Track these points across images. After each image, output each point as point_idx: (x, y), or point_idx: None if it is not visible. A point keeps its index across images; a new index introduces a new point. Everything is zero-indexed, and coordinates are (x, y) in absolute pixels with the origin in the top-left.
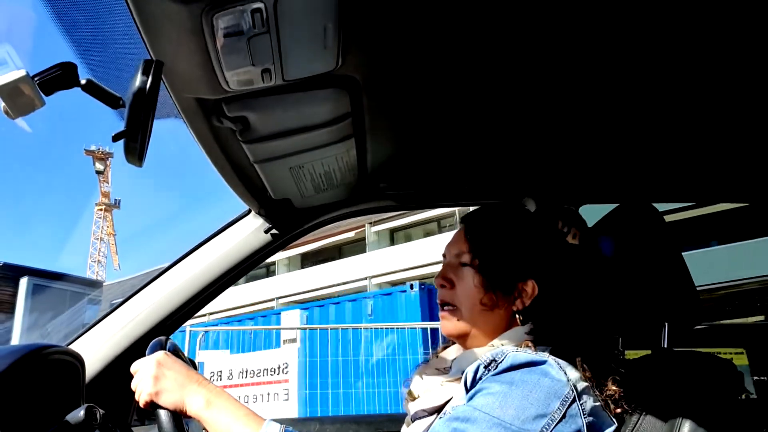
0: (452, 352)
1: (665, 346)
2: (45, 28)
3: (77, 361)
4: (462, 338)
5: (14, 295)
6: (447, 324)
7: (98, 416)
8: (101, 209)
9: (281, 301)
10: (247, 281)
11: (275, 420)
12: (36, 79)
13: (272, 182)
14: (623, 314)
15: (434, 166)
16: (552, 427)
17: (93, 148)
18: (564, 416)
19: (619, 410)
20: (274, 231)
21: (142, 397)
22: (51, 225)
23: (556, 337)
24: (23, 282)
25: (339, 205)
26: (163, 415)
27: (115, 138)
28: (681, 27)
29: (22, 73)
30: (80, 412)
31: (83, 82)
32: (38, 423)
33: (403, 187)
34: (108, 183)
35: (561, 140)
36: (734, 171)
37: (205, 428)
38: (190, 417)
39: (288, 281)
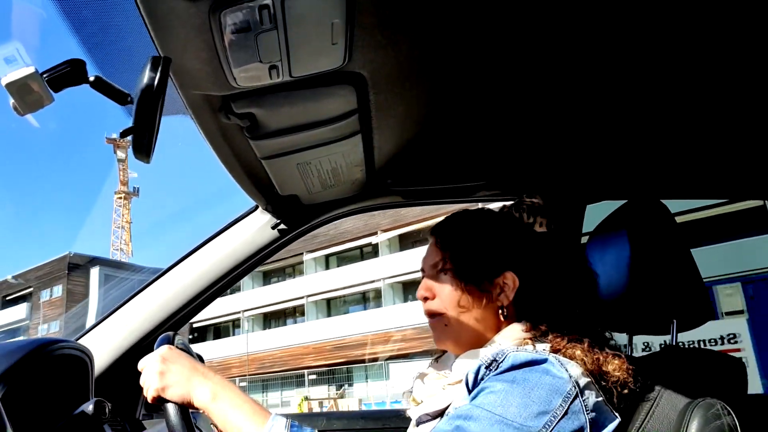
0: (450, 357)
1: (674, 342)
2: (53, 25)
3: (86, 355)
4: (453, 344)
5: (86, 284)
6: (436, 334)
7: (107, 410)
8: (120, 197)
9: None
10: None
11: (280, 415)
12: (45, 75)
13: (279, 178)
14: (631, 310)
15: (441, 163)
16: (554, 423)
17: (114, 136)
18: (566, 413)
19: (626, 391)
20: (281, 227)
21: (149, 393)
22: (70, 213)
23: (552, 329)
24: (95, 271)
25: (346, 201)
26: (170, 408)
27: (123, 134)
28: (692, 23)
29: (31, 70)
30: (89, 406)
31: (92, 78)
32: (48, 417)
33: (410, 183)
34: (127, 170)
35: (569, 136)
36: (744, 167)
37: (213, 422)
38: (197, 409)
39: None
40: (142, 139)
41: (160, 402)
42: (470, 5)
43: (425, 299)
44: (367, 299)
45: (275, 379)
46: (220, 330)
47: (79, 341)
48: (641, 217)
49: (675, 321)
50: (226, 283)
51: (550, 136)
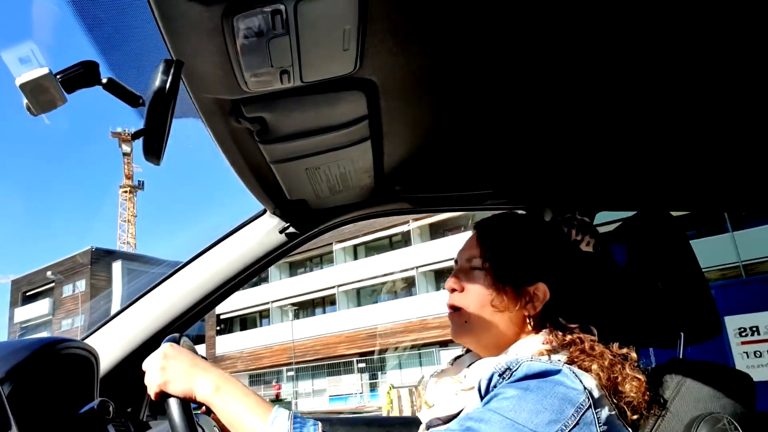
0: (467, 360)
1: (681, 356)
2: (68, 26)
3: (92, 355)
4: (472, 342)
5: (108, 278)
6: (457, 328)
7: (111, 410)
8: (126, 191)
9: None
10: None
11: (282, 408)
12: (58, 77)
13: (288, 183)
14: (639, 323)
15: (449, 170)
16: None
17: (119, 130)
18: (578, 423)
19: (636, 417)
20: (289, 231)
21: (151, 390)
22: (76, 208)
23: (571, 344)
24: (117, 265)
25: (354, 206)
26: (172, 403)
27: (135, 136)
28: (701, 35)
29: (45, 70)
30: (93, 406)
31: (104, 80)
32: (52, 416)
33: (418, 190)
34: (132, 164)
35: (578, 146)
36: (754, 179)
37: (215, 418)
38: (199, 404)
39: None
40: (153, 142)
41: (163, 398)
42: (482, 15)
43: (453, 290)
44: (403, 287)
45: (306, 369)
46: (246, 321)
47: (85, 341)
48: (649, 229)
49: (682, 334)
50: (232, 286)
51: (559, 146)
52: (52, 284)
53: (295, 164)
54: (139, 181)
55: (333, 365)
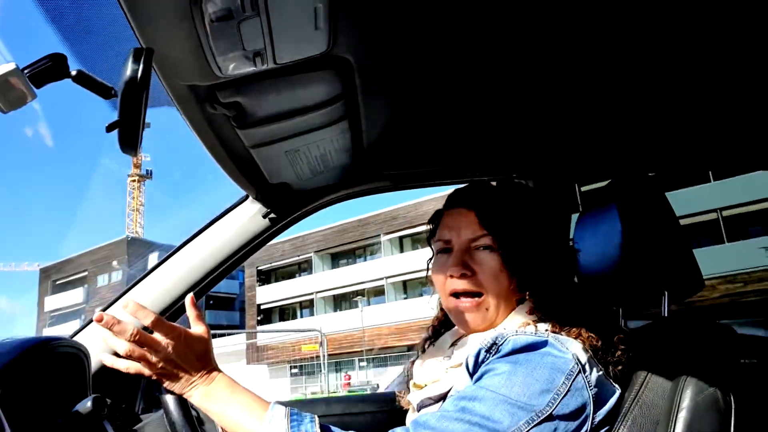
0: (448, 338)
1: (665, 314)
2: (31, 19)
3: (82, 352)
4: (482, 327)
5: (143, 269)
6: (475, 316)
7: (106, 406)
8: (134, 180)
9: None
10: None
11: (279, 403)
12: (26, 71)
13: (268, 167)
14: (623, 284)
15: (429, 145)
16: (558, 401)
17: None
18: (569, 390)
19: (620, 368)
20: (272, 215)
21: (142, 372)
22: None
23: (557, 311)
24: (153, 257)
25: (336, 187)
26: (169, 401)
27: (109, 128)
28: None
29: (11, 66)
30: (87, 403)
31: (74, 73)
32: (46, 415)
33: (400, 167)
34: (141, 153)
35: (558, 116)
36: (730, 142)
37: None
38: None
39: None
40: (129, 133)
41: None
42: None
43: (462, 276)
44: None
45: (349, 361)
46: (284, 311)
47: (75, 337)
48: (630, 192)
49: (666, 293)
50: (219, 274)
51: (538, 116)
52: (85, 273)
53: (275, 148)
54: (147, 170)
55: (381, 358)
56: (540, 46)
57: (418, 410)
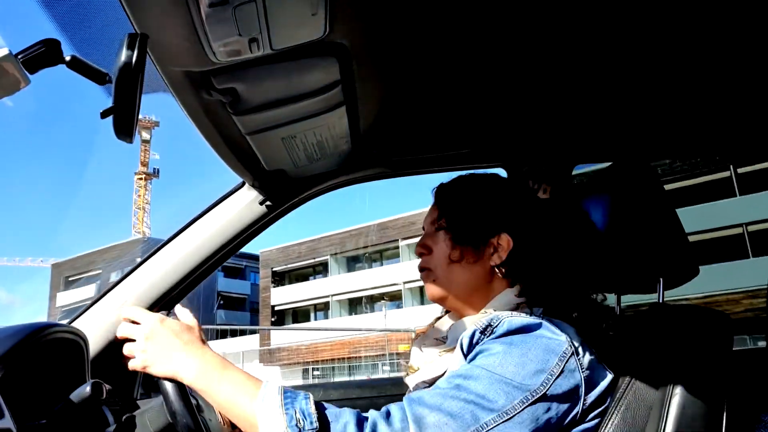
0: (446, 321)
1: (661, 300)
2: (25, 4)
3: (80, 338)
4: (446, 300)
5: None
6: (429, 287)
7: (104, 391)
8: (141, 178)
9: None
10: None
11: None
12: (19, 57)
13: (265, 153)
14: (619, 270)
15: (427, 132)
16: (551, 382)
17: (139, 116)
18: (562, 371)
19: (612, 352)
20: (269, 203)
21: (132, 366)
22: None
23: (546, 293)
24: None
25: (333, 173)
26: (169, 388)
27: (104, 114)
28: None
29: (4, 51)
30: (86, 388)
31: (68, 58)
32: (45, 401)
33: (397, 153)
34: (149, 151)
35: (555, 100)
36: (729, 128)
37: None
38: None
39: None
40: (123, 120)
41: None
42: None
43: (421, 255)
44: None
45: (365, 366)
46: (298, 314)
47: (73, 323)
48: (626, 178)
49: (661, 279)
50: (216, 260)
51: (534, 101)
52: (99, 270)
53: (271, 134)
54: (154, 168)
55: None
56: (538, 29)
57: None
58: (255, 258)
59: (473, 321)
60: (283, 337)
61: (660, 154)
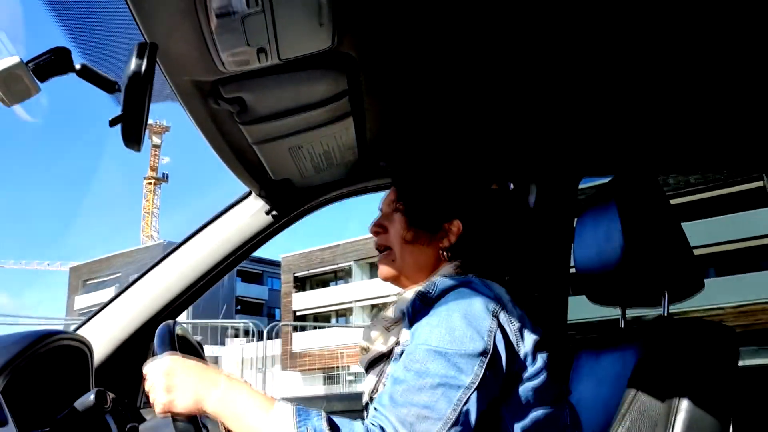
0: (394, 301)
1: (665, 313)
2: (37, 12)
3: (85, 346)
4: (397, 279)
5: None
6: (382, 267)
7: (108, 400)
8: (150, 183)
9: None
10: None
11: (284, 399)
12: (30, 65)
13: (272, 163)
14: (624, 283)
15: (433, 143)
16: (493, 337)
17: (150, 121)
18: (499, 326)
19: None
20: (275, 212)
21: (157, 408)
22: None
23: (481, 267)
24: None
25: (339, 184)
26: (180, 426)
27: (112, 123)
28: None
29: (15, 59)
30: (90, 397)
31: (78, 67)
32: (49, 408)
33: (403, 164)
34: (159, 156)
35: (560, 112)
36: (735, 143)
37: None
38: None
39: None
40: (132, 128)
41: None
42: None
43: (377, 234)
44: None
45: None
46: (319, 319)
47: (78, 331)
48: (632, 191)
49: (666, 293)
50: (222, 269)
51: (541, 113)
52: (119, 274)
53: (278, 144)
54: (163, 173)
55: None
56: (545, 43)
57: (366, 372)
58: (273, 263)
59: (413, 291)
60: (303, 342)
61: (666, 169)
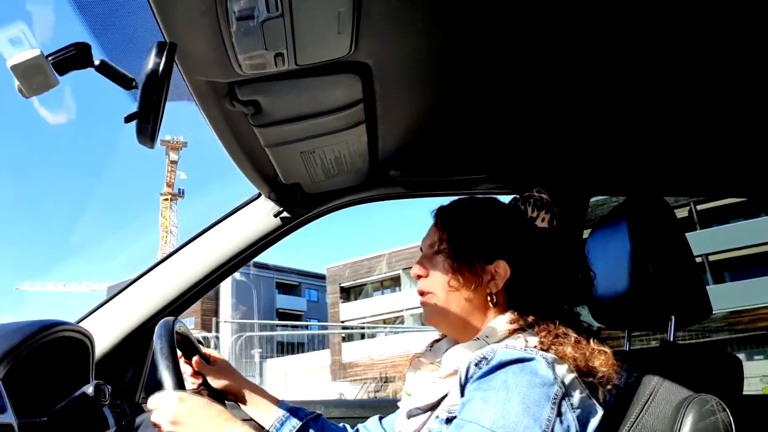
0: (443, 345)
1: (671, 339)
2: (59, 7)
3: (87, 338)
4: (442, 324)
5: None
6: (426, 311)
7: (107, 393)
8: (166, 199)
9: None
10: None
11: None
12: (50, 58)
13: (283, 167)
14: (631, 307)
15: (444, 154)
16: (551, 427)
17: (168, 138)
18: (558, 414)
19: (609, 387)
20: (284, 215)
21: None
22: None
23: (538, 322)
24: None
25: (349, 190)
26: None
27: (128, 119)
28: (693, 22)
29: (36, 52)
30: (89, 389)
31: (97, 62)
32: (48, 399)
33: (413, 174)
34: (175, 172)
35: (573, 131)
36: (747, 165)
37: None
38: None
39: None
40: (147, 125)
41: None
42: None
43: (419, 277)
44: None
45: None
46: (365, 329)
47: (80, 323)
48: (642, 213)
49: (673, 317)
50: (227, 269)
51: (553, 130)
52: None
53: (290, 148)
54: (179, 189)
55: None
56: (560, 61)
57: (408, 418)
58: (310, 275)
59: (468, 352)
60: (353, 352)
61: (676, 190)
